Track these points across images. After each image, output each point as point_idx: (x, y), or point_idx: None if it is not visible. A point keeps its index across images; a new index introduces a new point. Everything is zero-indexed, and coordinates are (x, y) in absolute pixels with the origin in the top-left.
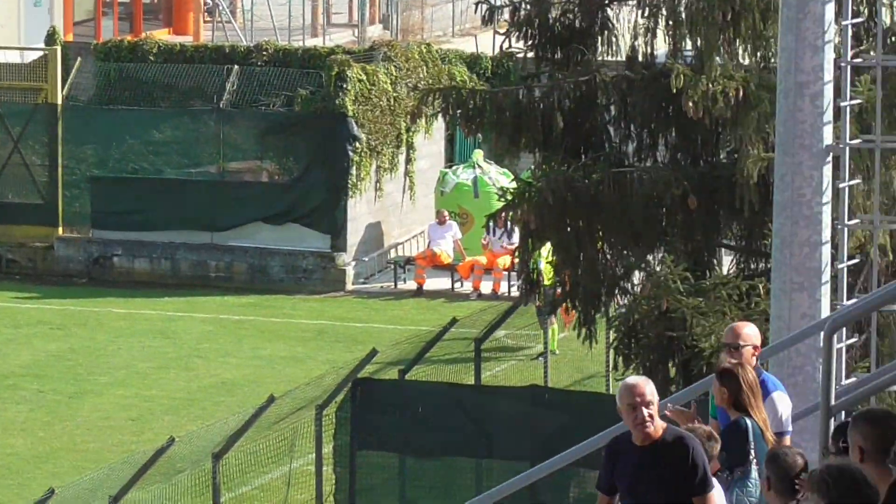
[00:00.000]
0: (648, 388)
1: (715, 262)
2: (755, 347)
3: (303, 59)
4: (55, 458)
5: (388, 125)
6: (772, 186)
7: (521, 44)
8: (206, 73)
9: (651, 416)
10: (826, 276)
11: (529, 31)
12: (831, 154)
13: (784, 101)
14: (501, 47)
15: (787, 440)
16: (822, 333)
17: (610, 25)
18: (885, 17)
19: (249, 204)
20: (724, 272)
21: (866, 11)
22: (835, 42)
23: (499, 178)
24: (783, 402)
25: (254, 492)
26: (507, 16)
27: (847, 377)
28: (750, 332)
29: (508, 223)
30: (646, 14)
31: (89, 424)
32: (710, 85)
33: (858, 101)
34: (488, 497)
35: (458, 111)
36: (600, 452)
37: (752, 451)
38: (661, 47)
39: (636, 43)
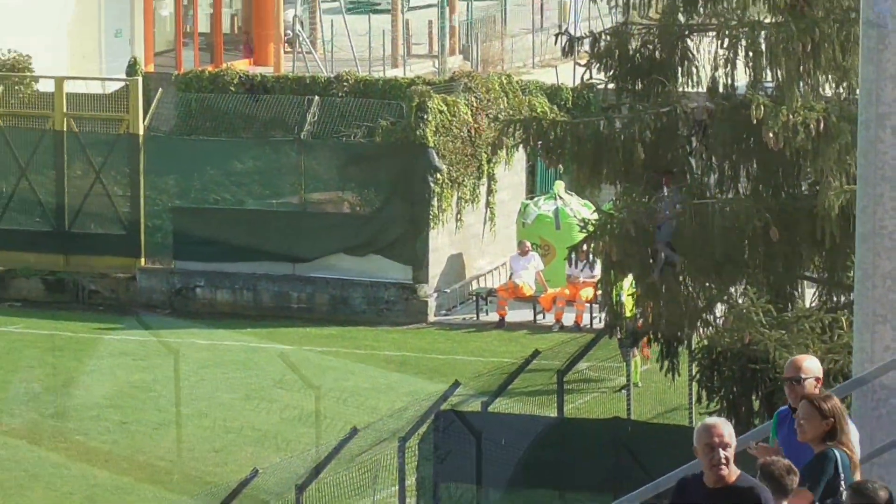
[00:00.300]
0: (727, 430)
1: (797, 294)
2: (817, 380)
3: (383, 90)
4: (138, 489)
5: (468, 156)
6: (853, 218)
7: (601, 75)
8: (287, 103)
9: (727, 458)
10: None
11: (609, 62)
12: None
13: (865, 132)
14: (582, 78)
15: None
16: None
17: (690, 56)
18: None
19: (331, 235)
20: (807, 305)
21: None
22: None
23: (580, 209)
24: (853, 433)
25: None
26: (587, 47)
27: None
28: (811, 366)
29: (590, 255)
30: (725, 45)
31: (172, 456)
32: (791, 116)
33: None
34: None
35: (539, 142)
36: None
37: (843, 483)
38: (742, 78)
39: (716, 74)
